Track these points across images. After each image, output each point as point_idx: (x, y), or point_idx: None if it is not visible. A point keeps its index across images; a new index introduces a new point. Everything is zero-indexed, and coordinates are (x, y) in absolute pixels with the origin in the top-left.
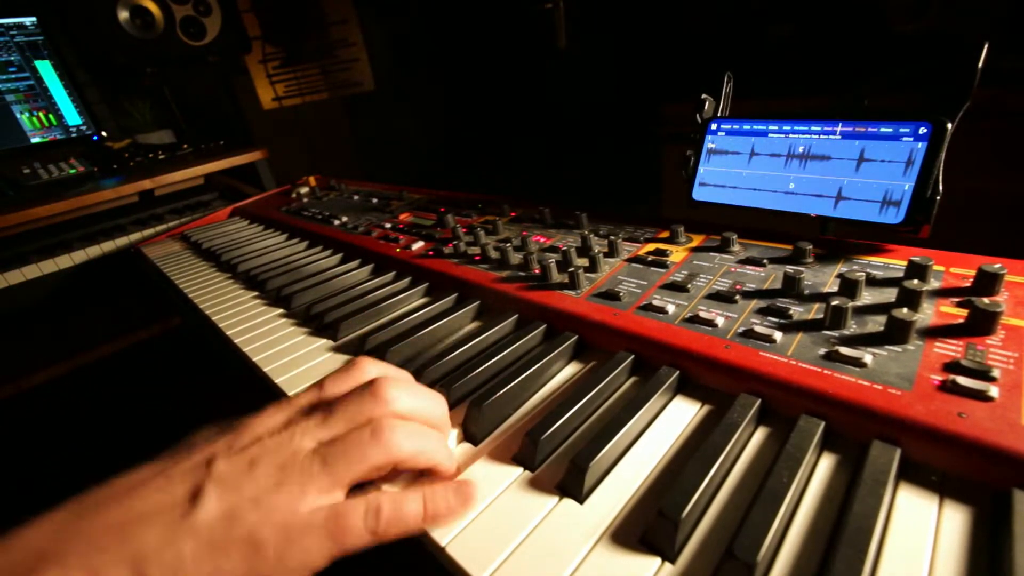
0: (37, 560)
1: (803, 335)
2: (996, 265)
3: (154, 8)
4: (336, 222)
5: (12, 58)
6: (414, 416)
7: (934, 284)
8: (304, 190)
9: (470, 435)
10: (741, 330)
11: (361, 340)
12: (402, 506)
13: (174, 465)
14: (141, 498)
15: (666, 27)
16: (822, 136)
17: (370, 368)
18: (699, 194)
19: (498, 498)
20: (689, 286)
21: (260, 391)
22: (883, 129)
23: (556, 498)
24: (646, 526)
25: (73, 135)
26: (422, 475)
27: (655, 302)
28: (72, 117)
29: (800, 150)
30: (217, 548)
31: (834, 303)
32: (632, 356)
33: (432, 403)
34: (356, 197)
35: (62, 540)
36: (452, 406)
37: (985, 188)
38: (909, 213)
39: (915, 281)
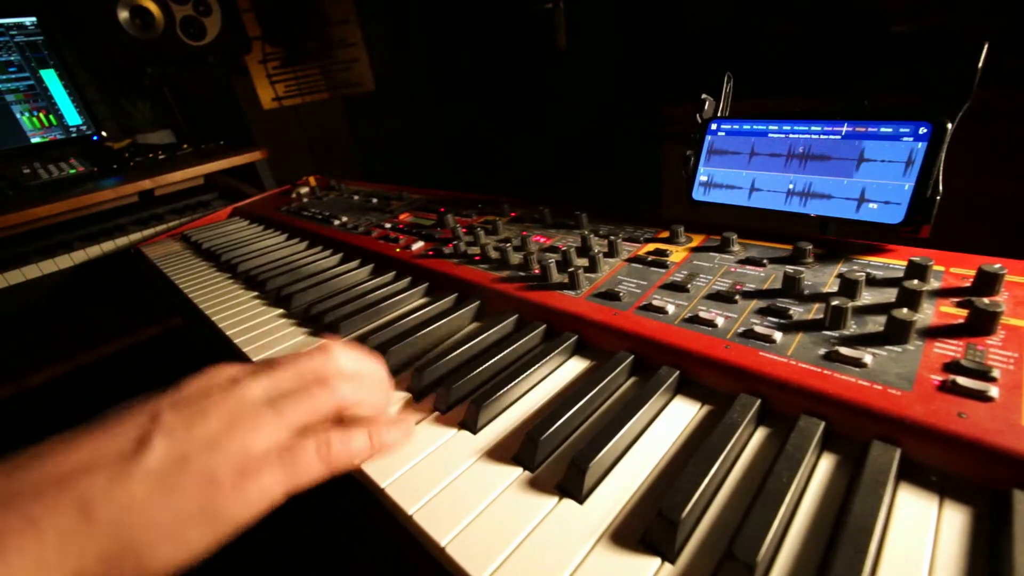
0: None
1: (803, 335)
2: (996, 265)
3: (154, 8)
4: (336, 222)
5: (12, 58)
6: (357, 375)
7: (934, 284)
8: (304, 190)
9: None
10: (741, 330)
11: (361, 340)
12: (350, 440)
13: (114, 423)
14: (81, 451)
15: (666, 27)
16: (822, 136)
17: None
18: (699, 194)
19: (498, 498)
20: (689, 286)
21: None
22: (883, 129)
23: (556, 498)
24: (646, 526)
25: (73, 135)
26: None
27: (655, 302)
28: (72, 117)
29: (800, 150)
30: (170, 488)
31: (834, 303)
32: (632, 356)
33: (373, 364)
34: (356, 197)
35: None
36: (452, 406)
37: (985, 188)
38: (909, 213)
39: (915, 281)
